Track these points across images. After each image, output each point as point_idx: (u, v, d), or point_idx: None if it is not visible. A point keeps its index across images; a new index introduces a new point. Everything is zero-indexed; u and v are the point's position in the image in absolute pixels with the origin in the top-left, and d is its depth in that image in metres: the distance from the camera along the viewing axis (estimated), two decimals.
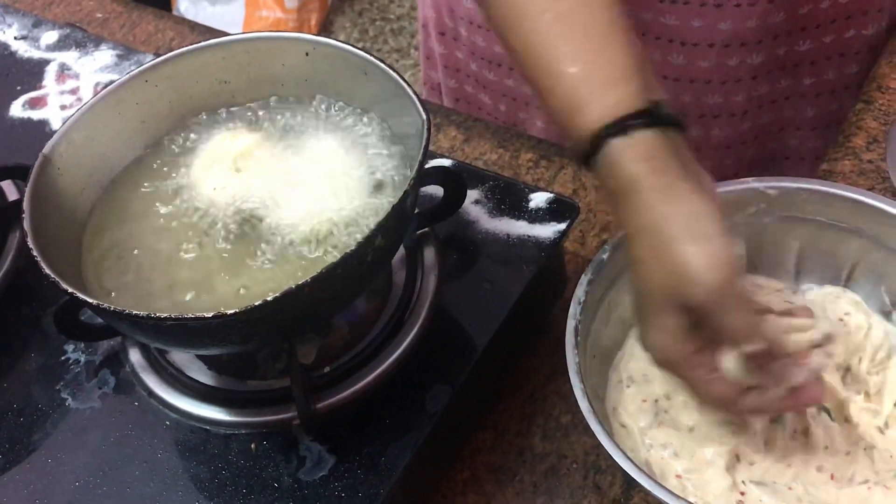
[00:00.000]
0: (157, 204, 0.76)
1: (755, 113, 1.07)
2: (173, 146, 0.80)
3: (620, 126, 0.63)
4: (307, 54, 0.78)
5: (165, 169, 0.78)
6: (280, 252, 0.71)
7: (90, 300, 0.64)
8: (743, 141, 1.09)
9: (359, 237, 0.68)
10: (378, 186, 0.74)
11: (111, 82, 0.78)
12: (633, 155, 0.62)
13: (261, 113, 0.81)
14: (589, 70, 0.65)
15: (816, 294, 0.77)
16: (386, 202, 0.72)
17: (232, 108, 0.81)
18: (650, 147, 0.63)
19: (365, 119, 0.78)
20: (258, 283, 0.69)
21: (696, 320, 0.62)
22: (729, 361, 0.63)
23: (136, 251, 0.73)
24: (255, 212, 0.73)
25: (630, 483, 0.74)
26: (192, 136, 0.80)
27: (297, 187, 0.74)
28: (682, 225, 0.61)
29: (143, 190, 0.77)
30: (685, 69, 1.01)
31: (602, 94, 0.64)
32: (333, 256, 0.68)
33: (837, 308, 0.75)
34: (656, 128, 0.63)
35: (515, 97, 1.13)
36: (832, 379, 0.71)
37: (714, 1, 0.95)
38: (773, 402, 0.64)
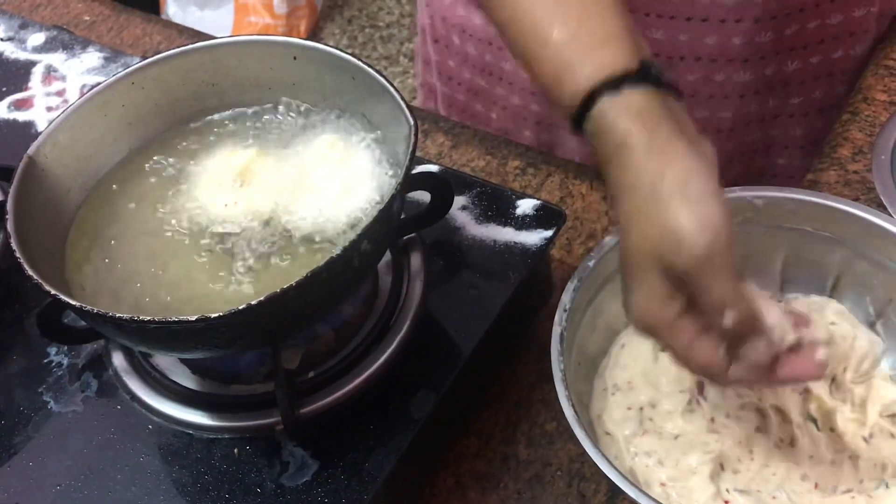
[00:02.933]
0: (147, 208, 0.76)
1: (742, 130, 1.07)
2: (166, 155, 0.79)
3: (612, 84, 0.61)
4: (295, 58, 0.78)
5: (156, 170, 0.78)
6: (305, 255, 0.71)
7: (73, 303, 0.63)
8: (730, 158, 1.09)
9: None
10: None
11: (97, 84, 0.78)
12: (626, 112, 0.61)
13: (251, 121, 0.80)
14: (578, 32, 0.64)
15: (802, 303, 0.77)
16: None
17: (220, 123, 0.80)
18: (643, 104, 0.61)
19: (356, 124, 0.78)
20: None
21: (679, 283, 0.60)
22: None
23: (121, 254, 0.73)
24: (274, 219, 0.73)
25: (614, 491, 0.73)
26: (184, 143, 0.80)
27: (308, 191, 0.74)
28: (674, 184, 0.59)
29: (130, 194, 0.77)
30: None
31: (592, 54, 0.63)
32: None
33: (823, 318, 0.75)
34: (649, 85, 0.61)
35: (506, 106, 1.13)
36: (819, 388, 0.71)
37: (700, 16, 0.96)
38: (761, 372, 0.61)
